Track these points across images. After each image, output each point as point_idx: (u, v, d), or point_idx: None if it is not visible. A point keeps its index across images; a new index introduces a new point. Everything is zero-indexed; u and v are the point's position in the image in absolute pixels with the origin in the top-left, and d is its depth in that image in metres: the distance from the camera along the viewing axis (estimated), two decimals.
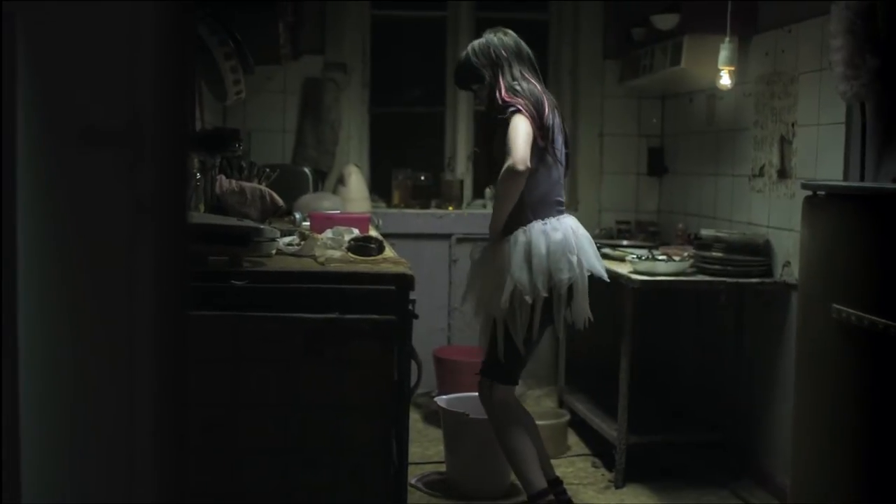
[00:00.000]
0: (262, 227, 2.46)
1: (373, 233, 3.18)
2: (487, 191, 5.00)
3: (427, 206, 5.07)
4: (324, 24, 4.93)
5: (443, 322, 4.99)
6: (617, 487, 3.78)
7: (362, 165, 5.07)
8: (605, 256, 3.75)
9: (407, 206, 5.06)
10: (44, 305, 0.81)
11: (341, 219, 3.28)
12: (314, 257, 2.53)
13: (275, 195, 3.17)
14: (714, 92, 4.28)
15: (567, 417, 4.31)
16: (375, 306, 2.19)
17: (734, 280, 3.68)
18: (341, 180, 4.82)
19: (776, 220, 3.75)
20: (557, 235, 3.07)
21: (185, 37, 0.83)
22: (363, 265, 2.43)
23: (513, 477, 3.48)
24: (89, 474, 0.82)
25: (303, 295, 2.20)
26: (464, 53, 3.28)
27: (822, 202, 2.75)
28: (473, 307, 3.26)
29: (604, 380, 4.30)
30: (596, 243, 3.30)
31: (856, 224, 2.58)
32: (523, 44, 3.25)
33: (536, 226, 3.09)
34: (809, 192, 2.79)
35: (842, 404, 2.57)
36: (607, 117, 5.08)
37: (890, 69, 2.86)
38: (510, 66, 3.17)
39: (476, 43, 3.26)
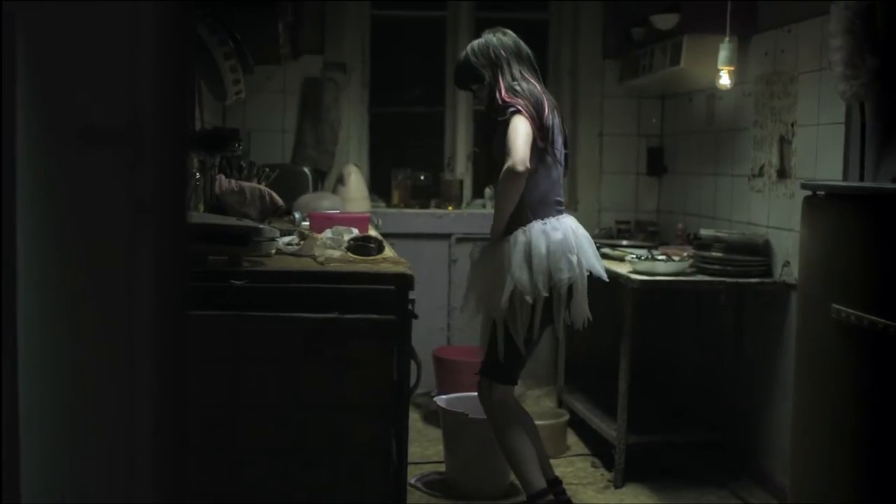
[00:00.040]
0: (261, 226, 2.46)
1: (372, 233, 3.18)
2: (487, 191, 5.01)
3: (427, 206, 5.07)
4: (323, 24, 4.93)
5: (442, 322, 4.99)
6: (616, 487, 3.78)
7: (362, 165, 5.07)
8: (604, 256, 3.75)
9: (406, 206, 5.06)
10: (43, 305, 0.81)
11: (341, 218, 3.28)
12: (314, 257, 2.53)
13: (274, 195, 3.17)
14: (714, 92, 4.28)
15: (566, 417, 4.31)
16: (375, 306, 2.19)
17: (734, 280, 3.68)
18: (341, 180, 4.81)
19: (776, 220, 3.75)
20: (557, 235, 3.07)
21: (185, 37, 0.84)
22: (363, 265, 2.43)
23: (512, 477, 3.48)
24: (89, 474, 0.82)
25: (302, 295, 2.20)
26: (463, 54, 3.28)
27: (821, 202, 2.75)
28: (474, 307, 3.26)
29: (603, 380, 4.30)
30: (595, 243, 3.30)
31: (855, 224, 2.58)
32: (522, 44, 3.25)
33: (536, 226, 3.09)
34: (809, 192, 2.80)
35: (841, 404, 2.57)
36: (607, 117, 5.08)
37: (889, 69, 2.86)
38: (510, 66, 3.17)
39: (475, 43, 3.26)
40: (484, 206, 5.08)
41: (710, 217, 4.37)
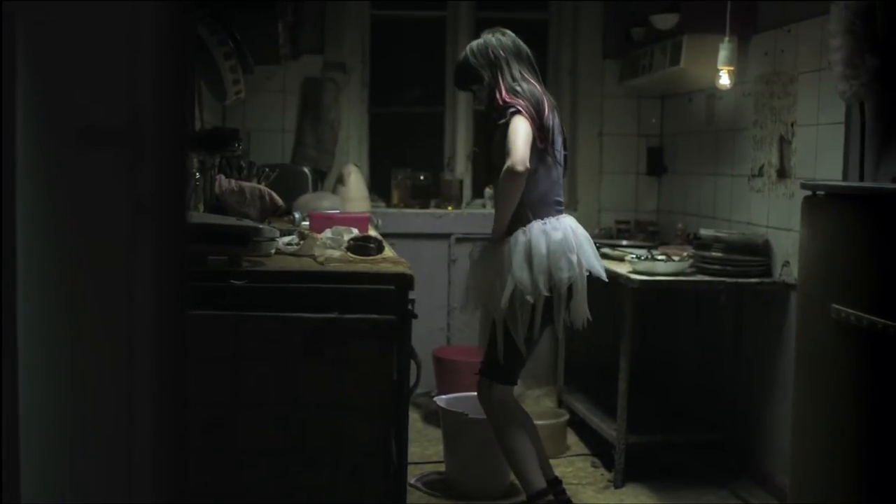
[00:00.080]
0: (261, 226, 2.46)
1: (372, 232, 3.18)
2: (487, 191, 5.00)
3: (426, 206, 5.07)
4: (323, 24, 4.93)
5: (442, 322, 4.99)
6: (616, 487, 3.78)
7: (362, 165, 5.07)
8: (604, 256, 3.75)
9: (406, 206, 5.06)
10: (43, 305, 0.81)
11: (341, 218, 3.28)
12: (313, 257, 2.53)
13: (274, 195, 3.17)
14: (713, 92, 4.28)
15: (566, 417, 4.31)
16: (375, 306, 2.19)
17: (733, 280, 3.68)
18: (341, 180, 4.82)
19: (775, 219, 3.75)
20: (557, 235, 3.08)
21: (185, 37, 0.84)
22: (362, 265, 2.43)
23: (512, 477, 3.48)
24: (89, 474, 0.82)
25: (302, 295, 2.20)
26: (462, 55, 3.29)
27: (821, 202, 2.75)
28: (474, 306, 3.27)
29: (603, 380, 4.30)
30: (595, 243, 3.30)
31: (855, 224, 2.58)
32: (522, 44, 3.25)
33: (536, 225, 3.09)
34: (809, 192, 2.80)
35: (841, 404, 2.57)
36: (607, 117, 5.08)
37: (889, 69, 2.86)
38: (509, 67, 3.17)
39: (474, 44, 3.26)
40: (484, 206, 5.08)
41: (710, 217, 4.37)
